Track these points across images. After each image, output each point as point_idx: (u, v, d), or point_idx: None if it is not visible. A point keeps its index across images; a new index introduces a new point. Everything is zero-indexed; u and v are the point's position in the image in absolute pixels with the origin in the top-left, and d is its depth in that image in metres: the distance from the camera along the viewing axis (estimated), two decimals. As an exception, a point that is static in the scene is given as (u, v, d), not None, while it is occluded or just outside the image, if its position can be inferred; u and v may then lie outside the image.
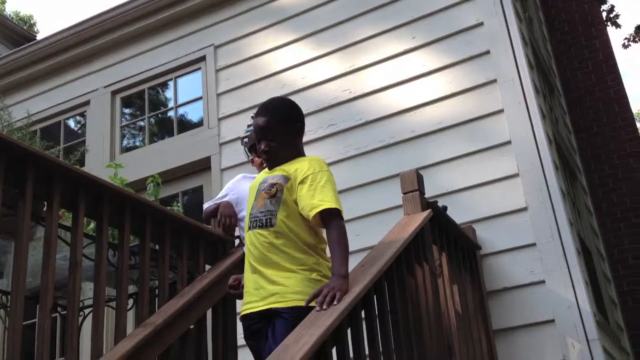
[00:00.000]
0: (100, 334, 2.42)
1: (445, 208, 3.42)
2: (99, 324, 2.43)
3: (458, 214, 3.72)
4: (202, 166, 5.05)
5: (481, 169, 4.04)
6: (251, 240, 2.39)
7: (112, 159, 5.34)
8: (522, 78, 4.15)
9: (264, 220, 2.36)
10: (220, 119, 5.06)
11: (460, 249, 3.54)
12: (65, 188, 2.44)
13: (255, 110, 4.78)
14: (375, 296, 2.39)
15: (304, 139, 4.55)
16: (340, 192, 4.37)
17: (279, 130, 2.45)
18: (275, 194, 2.37)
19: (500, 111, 4.13)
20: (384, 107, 4.52)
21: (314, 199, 2.32)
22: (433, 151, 4.25)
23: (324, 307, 2.07)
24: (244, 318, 2.37)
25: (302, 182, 2.36)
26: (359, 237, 4.17)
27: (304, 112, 4.67)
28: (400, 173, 3.23)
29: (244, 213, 2.81)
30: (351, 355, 2.14)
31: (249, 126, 4.83)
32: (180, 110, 5.64)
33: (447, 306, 3.11)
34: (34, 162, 2.33)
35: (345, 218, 4.12)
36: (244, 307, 2.38)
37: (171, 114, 5.70)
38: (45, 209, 2.47)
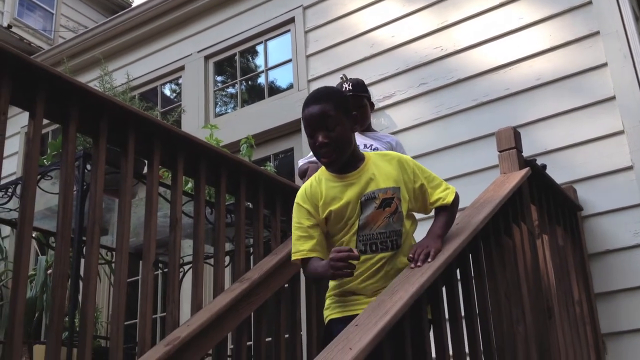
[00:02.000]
0: (200, 288, 2.50)
1: (544, 167, 3.29)
2: (199, 277, 2.51)
3: (558, 174, 3.58)
4: (293, 128, 5.08)
5: (583, 126, 3.84)
6: (371, 264, 2.09)
7: (207, 122, 5.45)
8: (627, 29, 3.89)
9: (388, 243, 2.10)
10: (309, 81, 5.06)
11: (561, 210, 3.40)
12: (164, 147, 2.52)
13: (344, 72, 4.87)
14: (470, 255, 2.34)
15: (395, 99, 4.57)
16: (432, 152, 4.34)
17: (339, 119, 2.11)
18: (396, 209, 2.12)
19: (604, 65, 3.90)
20: (478, 64, 4.37)
21: (434, 195, 2.21)
22: (530, 109, 4.08)
23: (419, 264, 2.04)
24: (342, 321, 2.03)
25: (415, 182, 2.18)
26: (452, 198, 4.11)
27: (394, 71, 4.69)
28: (496, 131, 3.13)
29: None
30: (446, 314, 2.11)
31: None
32: (271, 75, 5.68)
33: (547, 268, 3.01)
34: (135, 122, 2.40)
35: (438, 179, 4.15)
36: (352, 308, 2.10)
37: (262, 78, 5.75)
38: (146, 167, 2.56)
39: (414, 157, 4.24)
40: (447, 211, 2.22)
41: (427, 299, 2.02)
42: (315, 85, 5.00)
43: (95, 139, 2.28)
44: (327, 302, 2.22)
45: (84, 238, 2.34)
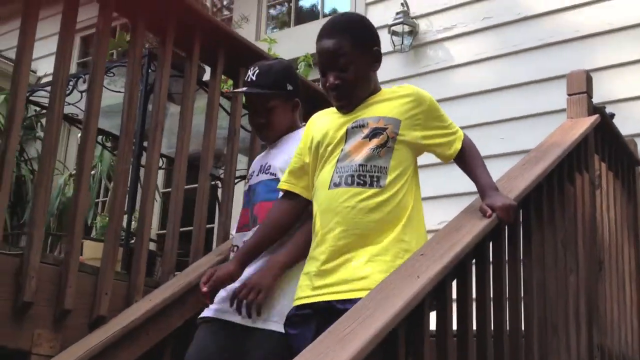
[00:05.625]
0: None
1: (612, 115, 3.16)
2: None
3: (620, 125, 3.43)
4: (347, 52, 4.94)
5: (653, 79, 3.68)
6: (338, 200, 1.75)
7: (258, 39, 5.34)
8: None
9: (367, 178, 1.75)
10: (367, 4, 4.89)
11: (620, 163, 3.29)
12: (227, 56, 2.45)
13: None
14: (533, 199, 2.27)
15: (455, 32, 4.40)
16: (492, 90, 4.21)
17: (355, 56, 1.79)
18: (385, 142, 1.77)
19: (684, 16, 3.70)
20: (547, 2, 4.17)
21: (446, 137, 1.89)
22: (597, 55, 3.90)
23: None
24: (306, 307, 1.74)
25: (426, 120, 1.85)
26: (503, 141, 4.00)
27: (458, 1, 4.49)
28: (568, 73, 2.99)
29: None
30: (506, 254, 2.06)
31: (397, 14, 4.65)
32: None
33: (602, 220, 2.93)
34: (202, 27, 2.33)
35: (490, 119, 4.04)
36: (312, 293, 1.74)
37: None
38: (208, 74, 2.50)
39: (472, 95, 4.18)
40: (477, 158, 1.94)
41: (491, 236, 1.97)
42: (373, 10, 4.83)
43: (162, 39, 2.21)
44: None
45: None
